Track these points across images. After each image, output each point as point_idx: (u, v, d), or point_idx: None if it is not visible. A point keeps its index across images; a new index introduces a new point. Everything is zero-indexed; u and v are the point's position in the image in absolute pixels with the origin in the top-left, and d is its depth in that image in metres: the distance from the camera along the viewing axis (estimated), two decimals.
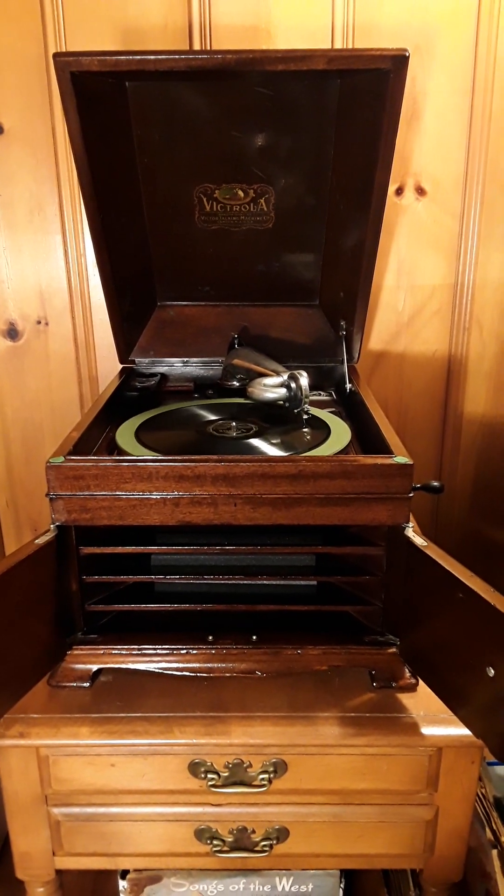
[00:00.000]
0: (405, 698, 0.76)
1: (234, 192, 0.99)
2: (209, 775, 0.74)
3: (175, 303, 1.11)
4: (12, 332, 1.25)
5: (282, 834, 0.78)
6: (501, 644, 0.60)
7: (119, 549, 0.77)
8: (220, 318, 1.11)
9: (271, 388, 0.92)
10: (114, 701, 0.76)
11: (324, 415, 0.94)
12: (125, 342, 1.09)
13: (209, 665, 0.77)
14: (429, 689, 0.72)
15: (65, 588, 0.75)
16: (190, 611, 0.79)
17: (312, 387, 1.03)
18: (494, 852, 0.89)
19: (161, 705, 0.75)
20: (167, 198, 1.00)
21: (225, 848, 0.78)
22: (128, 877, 0.89)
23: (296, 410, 0.90)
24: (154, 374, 1.09)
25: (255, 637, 0.78)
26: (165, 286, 1.10)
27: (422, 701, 0.75)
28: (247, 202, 1.00)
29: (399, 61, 0.80)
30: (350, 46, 1.09)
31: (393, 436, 0.79)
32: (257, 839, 0.78)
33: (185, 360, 1.11)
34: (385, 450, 0.76)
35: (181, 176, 0.98)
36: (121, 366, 1.11)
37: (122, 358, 1.10)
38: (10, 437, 1.31)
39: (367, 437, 0.87)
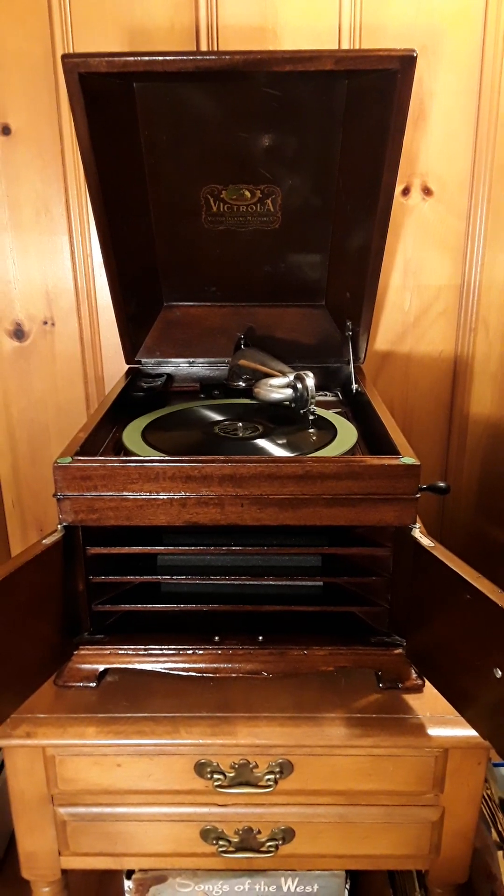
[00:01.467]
0: (411, 699, 0.76)
1: (240, 192, 0.99)
2: (215, 776, 0.74)
3: (181, 303, 1.11)
4: (19, 333, 1.25)
5: (287, 834, 0.78)
6: None
7: (126, 550, 0.77)
8: (226, 318, 1.11)
9: (277, 388, 0.92)
10: (120, 701, 0.76)
11: (330, 415, 0.94)
12: (131, 342, 1.09)
13: (215, 665, 0.77)
14: (435, 690, 0.72)
15: (71, 588, 0.76)
16: (196, 611, 0.80)
17: (318, 387, 1.03)
18: (500, 853, 0.89)
19: (167, 705, 0.75)
20: (174, 198, 1.01)
21: (230, 848, 0.78)
22: (133, 877, 0.89)
23: (302, 411, 0.90)
24: (160, 375, 1.09)
25: (261, 638, 0.78)
26: (172, 287, 1.10)
27: (428, 702, 0.75)
28: (253, 203, 1.00)
29: (407, 62, 0.80)
30: (357, 47, 1.09)
31: (399, 436, 0.79)
32: (263, 840, 0.78)
33: (191, 360, 1.12)
34: (392, 450, 0.75)
35: (188, 176, 0.98)
36: (127, 366, 1.11)
37: (129, 358, 1.11)
38: (16, 438, 1.31)
39: (373, 438, 0.87)
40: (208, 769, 0.74)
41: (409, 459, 0.72)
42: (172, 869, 0.88)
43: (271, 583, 0.81)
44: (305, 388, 0.89)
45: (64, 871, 0.82)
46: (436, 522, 1.36)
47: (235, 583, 0.80)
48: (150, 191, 1.00)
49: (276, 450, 0.83)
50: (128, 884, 0.90)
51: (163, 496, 0.72)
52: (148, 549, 0.79)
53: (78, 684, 0.77)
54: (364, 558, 0.79)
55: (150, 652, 0.77)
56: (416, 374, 1.28)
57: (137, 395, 1.02)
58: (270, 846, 0.78)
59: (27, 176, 1.16)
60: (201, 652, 0.77)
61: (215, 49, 1.09)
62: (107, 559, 0.78)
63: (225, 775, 0.74)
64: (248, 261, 1.06)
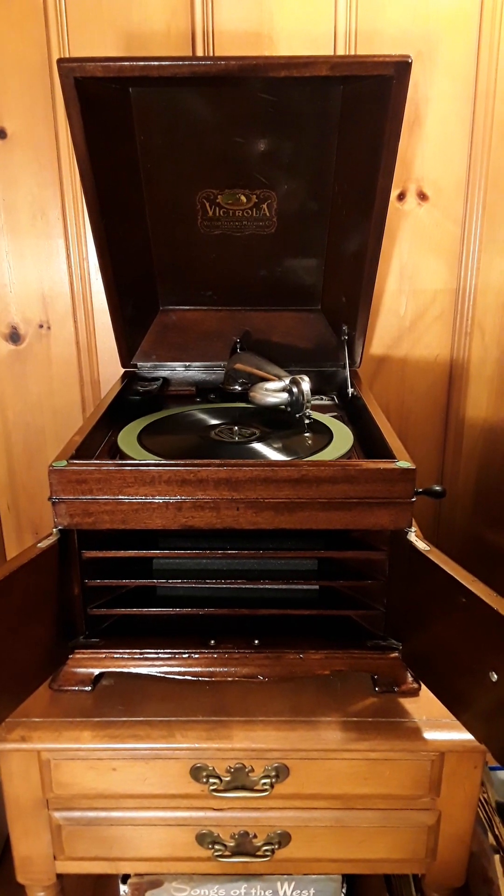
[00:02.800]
0: (407, 703, 0.76)
1: (236, 197, 1.00)
2: (211, 780, 0.74)
3: (177, 307, 1.11)
4: (14, 336, 1.25)
5: (283, 839, 0.78)
6: None
7: (121, 553, 0.77)
8: (222, 322, 1.11)
9: (273, 392, 0.92)
10: (115, 705, 0.76)
11: (326, 419, 0.94)
12: (127, 346, 1.09)
13: (211, 669, 0.77)
14: (431, 694, 0.72)
15: (67, 592, 0.75)
16: (192, 615, 0.80)
17: (314, 391, 1.03)
18: (497, 857, 0.89)
19: (163, 709, 0.75)
20: (170, 203, 1.01)
21: (226, 853, 0.78)
22: (129, 881, 0.89)
23: (297, 415, 0.90)
24: (156, 379, 1.09)
25: (257, 641, 0.78)
26: (168, 290, 1.10)
27: (424, 705, 0.75)
28: (249, 207, 1.01)
29: (402, 67, 0.80)
30: (352, 53, 1.09)
31: (395, 440, 0.79)
32: (259, 844, 0.78)
33: (187, 364, 1.12)
34: (387, 454, 0.76)
35: (184, 181, 0.99)
36: (123, 370, 1.11)
37: (125, 362, 1.11)
38: (11, 441, 1.31)
39: (369, 442, 0.87)
40: (204, 773, 0.74)
41: (404, 463, 0.72)
42: (168, 873, 0.87)
43: (267, 586, 0.81)
44: (301, 392, 0.89)
45: (59, 876, 0.81)
46: (432, 526, 1.36)
47: (231, 586, 0.80)
48: (147, 195, 1.00)
49: (271, 454, 0.83)
50: (123, 888, 0.89)
51: (158, 500, 0.72)
52: (143, 552, 0.79)
53: (73, 688, 0.77)
54: (360, 562, 0.80)
55: (145, 656, 0.77)
56: (412, 379, 1.28)
57: (133, 399, 1.02)
58: (266, 850, 0.78)
59: (23, 180, 1.16)
60: (197, 656, 0.77)
61: (211, 54, 1.09)
62: (102, 563, 0.78)
63: (221, 779, 0.74)
64: (244, 265, 1.06)
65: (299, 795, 0.76)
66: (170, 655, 0.77)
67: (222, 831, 0.78)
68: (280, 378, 0.94)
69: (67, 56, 1.09)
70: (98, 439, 0.88)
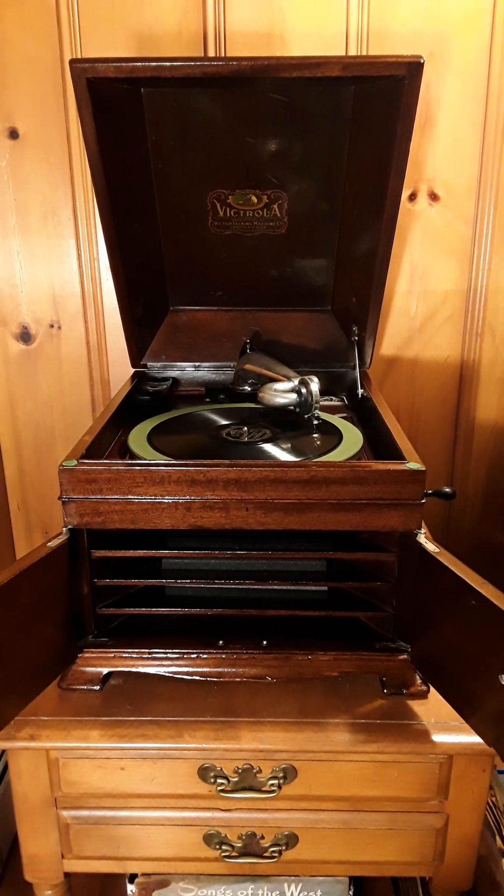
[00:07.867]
0: (416, 705, 0.75)
1: (247, 197, 1.00)
2: (219, 780, 0.74)
3: (187, 307, 1.12)
4: (25, 336, 1.26)
5: (291, 840, 0.78)
6: None
7: (130, 553, 0.78)
8: (232, 322, 1.11)
9: (282, 393, 0.92)
10: (124, 704, 0.76)
11: (335, 420, 0.94)
12: (137, 346, 1.10)
13: (219, 669, 0.77)
14: (440, 697, 0.72)
15: (76, 591, 0.76)
16: (200, 615, 0.80)
17: (324, 392, 1.03)
18: None
19: (171, 709, 0.75)
20: (181, 203, 1.01)
21: (234, 853, 0.78)
22: (136, 881, 0.89)
23: (306, 416, 0.90)
24: (166, 379, 1.10)
25: (265, 642, 0.77)
26: (178, 291, 1.10)
27: (433, 708, 0.75)
28: (260, 208, 1.01)
29: (414, 68, 0.80)
30: (364, 53, 1.09)
31: (405, 441, 0.79)
32: (266, 845, 0.78)
33: (197, 364, 1.12)
34: (397, 455, 0.75)
35: (195, 181, 0.99)
36: (133, 370, 1.12)
37: (135, 362, 1.11)
38: (22, 440, 1.32)
39: (378, 443, 0.87)
40: (212, 774, 0.74)
41: (414, 465, 0.72)
42: (175, 873, 0.87)
43: (276, 587, 0.81)
44: (309, 392, 0.89)
45: (67, 875, 0.82)
46: (441, 528, 1.36)
47: (240, 587, 0.80)
48: (157, 195, 1.00)
49: (281, 454, 0.83)
50: (131, 888, 0.89)
51: (168, 500, 0.72)
52: (152, 552, 0.79)
53: (82, 687, 0.77)
54: (369, 563, 0.79)
55: (154, 655, 0.77)
56: (422, 380, 1.28)
57: (143, 399, 1.02)
58: (274, 851, 0.78)
59: (35, 180, 1.17)
60: (205, 656, 0.77)
61: (223, 55, 1.09)
62: (111, 562, 0.78)
63: (228, 780, 0.74)
64: (254, 265, 1.06)
65: (307, 797, 0.76)
66: (178, 655, 0.77)
67: (230, 832, 0.78)
68: (289, 379, 0.94)
69: (79, 56, 1.09)
70: (108, 439, 0.88)
